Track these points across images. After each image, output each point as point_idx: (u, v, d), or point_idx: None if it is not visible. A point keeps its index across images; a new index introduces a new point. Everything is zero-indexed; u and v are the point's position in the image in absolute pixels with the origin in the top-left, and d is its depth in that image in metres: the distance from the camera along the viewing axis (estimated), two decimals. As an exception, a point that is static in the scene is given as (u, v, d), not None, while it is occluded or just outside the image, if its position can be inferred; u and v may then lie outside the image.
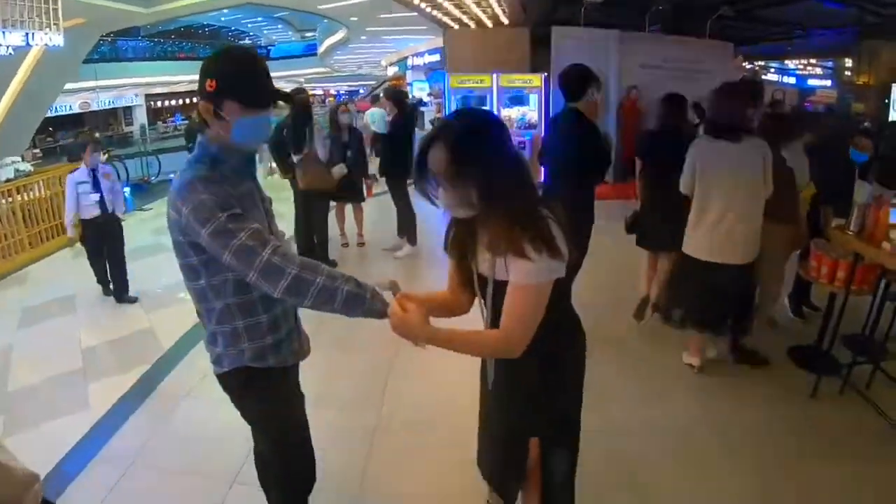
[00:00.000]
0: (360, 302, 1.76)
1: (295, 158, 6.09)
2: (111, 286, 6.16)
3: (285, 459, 2.26)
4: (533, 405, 1.99)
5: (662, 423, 3.60)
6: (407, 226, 6.92)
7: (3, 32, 10.48)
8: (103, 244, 6.02)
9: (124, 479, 3.28)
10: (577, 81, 4.13)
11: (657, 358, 4.38)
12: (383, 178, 7.05)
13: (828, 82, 22.33)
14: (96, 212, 5.83)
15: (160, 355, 4.80)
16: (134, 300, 6.05)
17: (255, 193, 2.01)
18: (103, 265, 6.12)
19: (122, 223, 6.16)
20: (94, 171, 5.81)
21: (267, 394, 2.11)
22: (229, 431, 2.86)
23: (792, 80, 23.77)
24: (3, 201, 8.25)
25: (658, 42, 10.42)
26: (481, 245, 1.84)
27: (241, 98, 1.83)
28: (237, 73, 1.84)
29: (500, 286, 1.78)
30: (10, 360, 4.99)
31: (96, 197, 5.81)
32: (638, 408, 3.77)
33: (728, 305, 3.92)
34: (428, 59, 21.50)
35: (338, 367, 4.34)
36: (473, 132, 1.71)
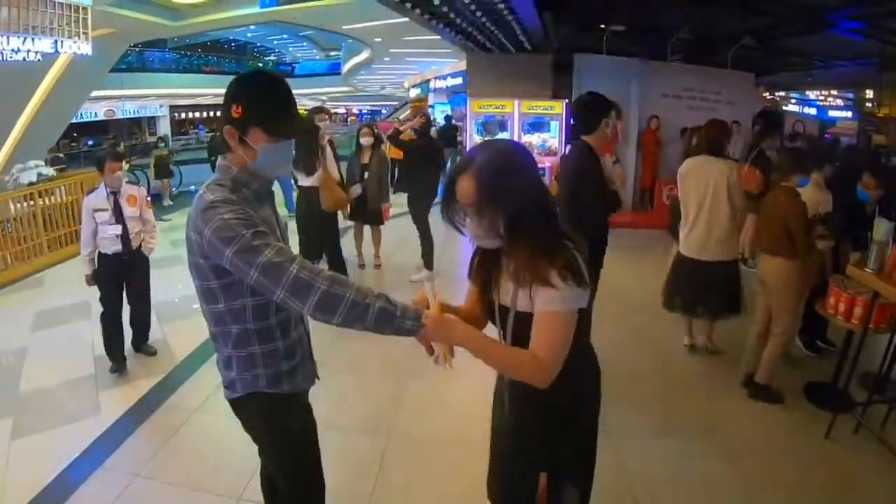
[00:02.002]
0: (390, 319, 1.68)
1: (306, 182, 6.08)
2: (121, 340, 4.87)
3: (295, 485, 2.21)
4: (545, 439, 1.96)
5: (674, 459, 3.55)
6: (425, 250, 6.90)
7: (33, 39, 10.66)
8: (122, 285, 4.86)
9: (129, 490, 3.29)
10: (592, 111, 3.83)
11: (671, 391, 4.34)
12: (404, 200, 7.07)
13: (848, 113, 22.19)
14: (117, 247, 4.68)
15: (172, 367, 4.82)
16: (153, 352, 5.05)
17: (273, 219, 1.99)
18: (117, 317, 4.82)
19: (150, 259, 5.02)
20: (114, 195, 4.65)
21: (280, 420, 2.09)
22: (236, 448, 2.86)
23: (812, 111, 23.64)
24: (25, 205, 8.34)
25: (680, 71, 10.43)
26: (506, 275, 1.83)
27: (268, 127, 1.83)
28: (264, 102, 1.83)
29: (522, 318, 1.77)
30: (23, 362, 5.02)
31: (117, 230, 4.64)
32: (650, 441, 3.73)
33: (709, 295, 4.52)
34: (451, 81, 21.60)
35: (349, 392, 4.32)
36: (500, 164, 1.71)
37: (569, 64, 10.13)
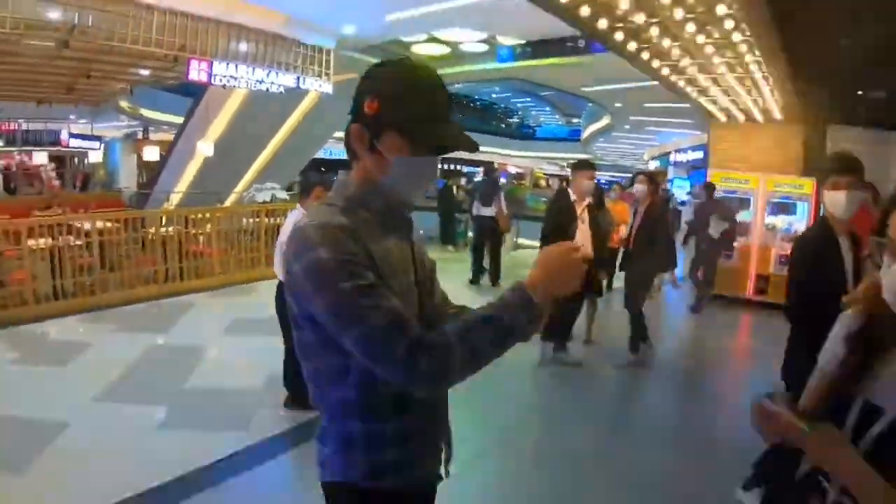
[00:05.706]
0: (507, 334, 1.28)
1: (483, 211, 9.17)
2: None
3: None
4: None
5: None
6: (639, 332, 6.00)
7: (277, 73, 12.07)
8: None
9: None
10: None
11: None
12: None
13: None
14: None
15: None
16: None
17: (407, 254, 1.47)
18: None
19: None
20: None
21: None
22: None
23: None
24: (253, 220, 9.13)
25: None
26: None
27: (411, 133, 1.34)
28: (410, 99, 1.34)
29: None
30: (202, 360, 5.23)
31: None
32: None
33: None
34: (691, 155, 20.89)
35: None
36: None
37: (820, 137, 8.95)
